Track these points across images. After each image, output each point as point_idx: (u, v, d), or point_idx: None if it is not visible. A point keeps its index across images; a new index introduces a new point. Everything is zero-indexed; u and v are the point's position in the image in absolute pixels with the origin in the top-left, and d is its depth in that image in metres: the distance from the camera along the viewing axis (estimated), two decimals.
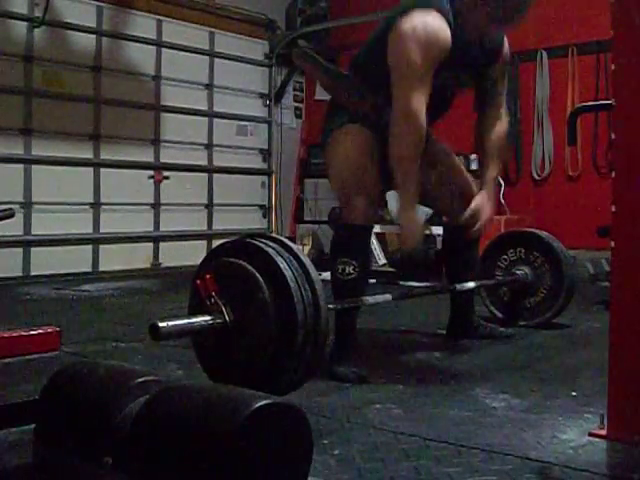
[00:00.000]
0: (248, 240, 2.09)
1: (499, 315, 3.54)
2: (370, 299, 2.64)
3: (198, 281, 2.04)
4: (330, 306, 2.27)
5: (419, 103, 2.55)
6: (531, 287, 3.46)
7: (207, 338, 2.04)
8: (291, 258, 2.01)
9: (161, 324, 1.87)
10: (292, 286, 1.95)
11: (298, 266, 2.00)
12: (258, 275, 1.96)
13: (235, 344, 1.99)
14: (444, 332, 3.29)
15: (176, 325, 1.93)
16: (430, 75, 2.57)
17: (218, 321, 1.98)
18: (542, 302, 3.45)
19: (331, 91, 2.91)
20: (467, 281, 3.06)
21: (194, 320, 1.98)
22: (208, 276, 2.02)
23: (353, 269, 2.56)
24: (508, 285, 3.50)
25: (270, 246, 2.03)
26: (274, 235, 2.16)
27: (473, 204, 2.77)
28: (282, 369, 1.97)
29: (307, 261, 2.03)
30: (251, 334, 1.97)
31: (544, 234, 3.52)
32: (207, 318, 1.98)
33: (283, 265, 1.98)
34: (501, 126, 2.97)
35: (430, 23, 2.54)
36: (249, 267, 1.98)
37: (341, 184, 2.71)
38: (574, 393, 2.30)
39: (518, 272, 3.46)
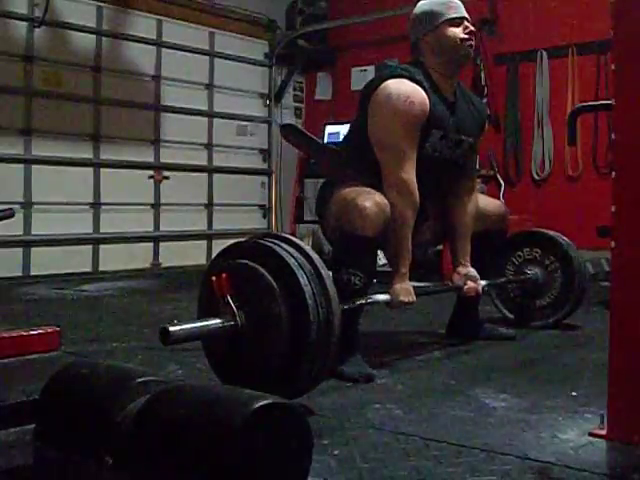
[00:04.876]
0: (269, 244, 2.02)
1: (507, 314, 3.54)
2: (380, 297, 2.61)
3: (213, 278, 1.99)
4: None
5: (407, 172, 2.61)
6: (540, 289, 3.45)
7: (217, 341, 2.02)
8: (312, 271, 1.95)
9: (171, 328, 1.84)
10: (310, 303, 1.90)
11: (318, 282, 1.94)
12: (276, 286, 1.92)
13: (245, 349, 1.97)
14: (444, 332, 3.29)
15: (186, 329, 1.90)
16: (413, 139, 2.63)
17: (230, 324, 1.94)
18: (548, 306, 3.44)
19: (320, 164, 2.93)
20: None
21: (205, 323, 1.95)
22: (224, 275, 1.97)
23: (359, 280, 2.49)
24: (518, 284, 3.49)
25: (293, 256, 1.96)
26: (298, 242, 2.05)
27: (463, 272, 2.93)
28: (289, 379, 1.96)
29: (326, 274, 1.98)
30: (262, 344, 1.95)
31: (564, 239, 3.48)
32: (218, 321, 1.95)
33: (303, 280, 1.92)
34: (474, 202, 3.03)
35: (403, 89, 2.61)
36: (268, 276, 1.93)
37: (343, 198, 2.57)
38: (574, 393, 2.30)
39: (529, 272, 3.45)
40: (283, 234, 2.13)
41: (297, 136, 2.97)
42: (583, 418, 2.02)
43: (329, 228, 2.77)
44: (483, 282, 2.99)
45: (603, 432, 1.83)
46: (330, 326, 1.95)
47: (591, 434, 1.85)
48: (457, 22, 2.75)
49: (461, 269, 2.94)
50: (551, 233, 3.56)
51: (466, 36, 2.75)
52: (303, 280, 1.93)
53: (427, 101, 2.65)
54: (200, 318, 2.04)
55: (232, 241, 2.17)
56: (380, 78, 2.68)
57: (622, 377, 1.81)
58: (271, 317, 1.93)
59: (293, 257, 1.97)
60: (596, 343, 3.04)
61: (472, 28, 2.78)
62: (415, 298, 2.68)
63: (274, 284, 1.93)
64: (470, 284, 2.92)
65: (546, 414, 2.07)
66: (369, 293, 2.62)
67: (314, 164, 6.78)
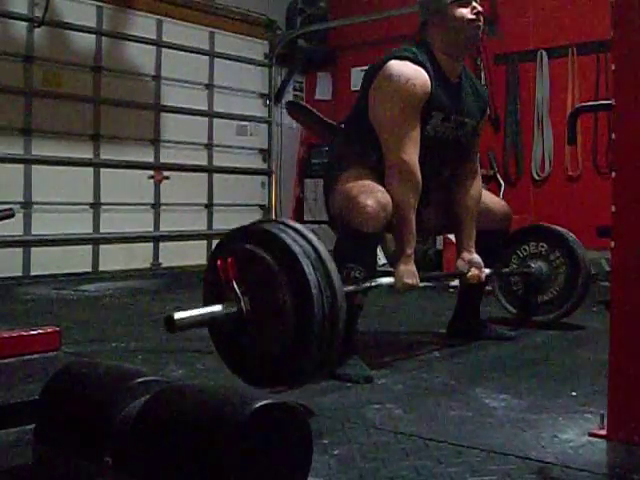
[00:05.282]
0: (274, 230, 2.01)
1: (508, 307, 3.53)
2: (385, 280, 2.60)
3: (219, 262, 1.99)
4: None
5: (408, 153, 2.60)
6: (543, 283, 3.43)
7: (222, 325, 2.01)
8: (317, 259, 1.95)
9: (176, 316, 1.86)
10: (314, 293, 1.90)
11: (323, 271, 1.94)
12: (281, 274, 1.92)
13: (248, 334, 1.97)
14: (444, 332, 3.29)
15: (191, 316, 1.91)
16: (415, 121, 2.63)
17: (234, 310, 1.95)
18: (550, 302, 3.43)
19: (325, 142, 2.93)
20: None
21: (209, 310, 1.96)
22: (230, 260, 1.97)
23: (359, 273, 2.49)
24: (521, 276, 3.48)
25: (298, 243, 1.95)
26: (303, 230, 2.03)
27: (467, 258, 2.90)
28: (293, 366, 1.95)
29: (332, 266, 1.97)
30: (266, 331, 1.95)
31: (571, 236, 3.47)
32: (221, 308, 1.95)
33: (308, 269, 1.91)
34: (478, 186, 3.03)
35: (404, 71, 2.62)
36: (272, 263, 1.93)
37: (346, 195, 2.56)
38: (574, 393, 2.30)
39: (533, 265, 3.44)
40: (288, 220, 2.12)
41: (303, 113, 2.97)
42: (583, 418, 2.02)
43: (331, 215, 2.78)
44: (487, 270, 2.97)
45: (603, 432, 1.83)
46: (335, 314, 1.94)
47: (591, 434, 1.85)
48: (465, 3, 2.74)
49: (465, 255, 2.92)
50: (559, 229, 3.55)
51: (474, 17, 2.74)
52: (308, 269, 1.92)
53: (429, 83, 2.65)
54: (205, 304, 2.05)
55: None
56: (383, 59, 2.67)
57: (622, 377, 1.81)
58: (276, 304, 1.92)
59: (298, 245, 1.96)
60: (596, 343, 3.04)
61: (480, 9, 2.76)
62: (419, 282, 2.66)
63: (278, 272, 1.93)
64: (474, 271, 2.89)
65: (546, 414, 2.07)
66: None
67: (314, 164, 6.80)
